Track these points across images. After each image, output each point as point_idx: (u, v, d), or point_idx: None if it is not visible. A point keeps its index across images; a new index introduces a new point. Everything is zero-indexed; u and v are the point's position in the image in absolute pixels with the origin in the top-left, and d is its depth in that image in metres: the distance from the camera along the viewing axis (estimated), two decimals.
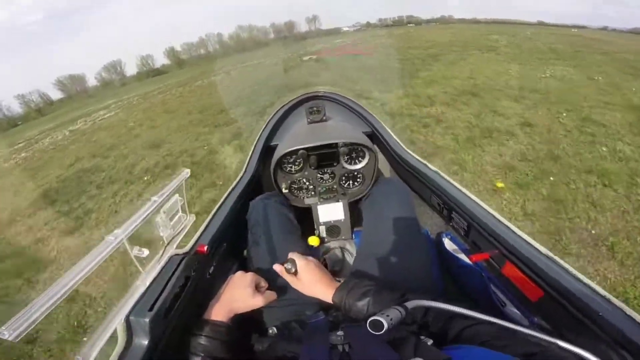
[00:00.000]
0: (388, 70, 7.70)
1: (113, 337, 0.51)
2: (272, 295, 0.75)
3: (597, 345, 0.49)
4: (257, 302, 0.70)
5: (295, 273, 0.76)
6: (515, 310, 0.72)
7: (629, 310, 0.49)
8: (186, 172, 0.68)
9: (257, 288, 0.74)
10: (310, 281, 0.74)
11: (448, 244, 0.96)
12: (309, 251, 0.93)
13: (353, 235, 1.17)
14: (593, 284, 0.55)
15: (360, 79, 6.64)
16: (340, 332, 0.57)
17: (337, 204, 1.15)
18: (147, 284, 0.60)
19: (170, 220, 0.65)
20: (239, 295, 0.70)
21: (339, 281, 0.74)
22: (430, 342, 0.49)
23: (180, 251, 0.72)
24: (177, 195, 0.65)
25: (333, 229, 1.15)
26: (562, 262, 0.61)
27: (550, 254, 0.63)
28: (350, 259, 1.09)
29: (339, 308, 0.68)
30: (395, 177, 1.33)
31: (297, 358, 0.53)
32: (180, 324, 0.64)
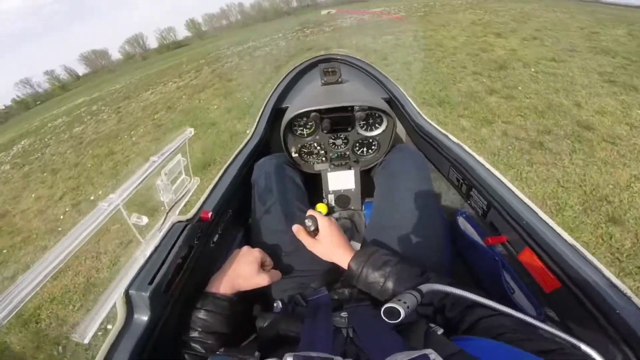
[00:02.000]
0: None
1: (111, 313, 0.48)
2: (277, 274, 0.72)
3: (609, 345, 0.47)
4: (261, 280, 0.66)
5: (315, 232, 0.72)
6: (524, 299, 0.69)
7: None
8: (189, 131, 0.63)
9: (263, 266, 0.70)
10: (330, 243, 0.70)
11: (462, 222, 0.92)
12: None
13: (363, 207, 1.12)
14: (617, 280, 0.50)
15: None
16: (344, 314, 0.54)
17: (348, 171, 1.09)
18: (148, 254, 0.56)
19: (172, 184, 0.60)
20: (243, 271, 0.66)
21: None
22: (440, 331, 0.46)
23: (183, 218, 0.68)
24: (179, 155, 0.60)
25: (342, 198, 1.10)
26: (586, 252, 0.55)
27: (575, 243, 0.57)
28: (360, 231, 1.04)
29: (352, 276, 0.64)
30: (413, 146, 1.23)
31: (299, 338, 0.50)
32: (181, 297, 0.61)
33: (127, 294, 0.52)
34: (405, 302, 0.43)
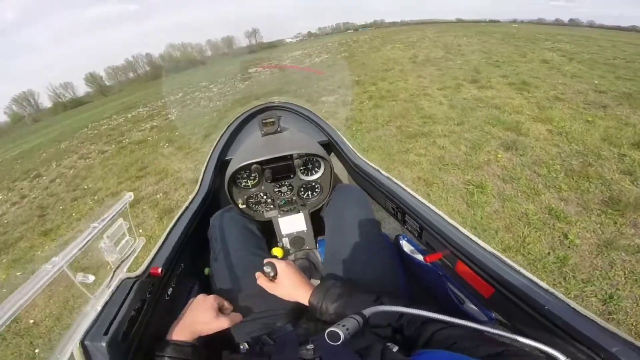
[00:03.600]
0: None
1: None
2: (237, 316, 0.73)
3: (549, 337, 0.51)
4: (221, 324, 0.68)
5: (275, 277, 0.76)
6: (474, 307, 0.74)
7: (571, 302, 0.52)
8: (129, 196, 0.67)
9: (221, 310, 0.72)
10: (290, 284, 0.74)
11: (406, 245, 0.99)
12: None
13: (317, 244, 1.16)
14: (537, 279, 0.58)
15: None
16: (310, 346, 0.57)
17: (298, 215, 1.13)
18: (99, 308, 0.58)
19: (116, 245, 0.64)
20: (201, 318, 0.67)
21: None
22: (395, 348, 0.50)
23: (132, 274, 0.69)
24: (121, 219, 0.65)
25: (296, 240, 1.13)
26: (507, 259, 0.63)
27: (497, 253, 0.66)
28: (318, 268, 1.08)
29: (315, 311, 0.68)
30: (353, 183, 1.32)
31: None
32: (141, 346, 0.62)
33: (83, 344, 0.53)
34: (344, 326, 0.48)
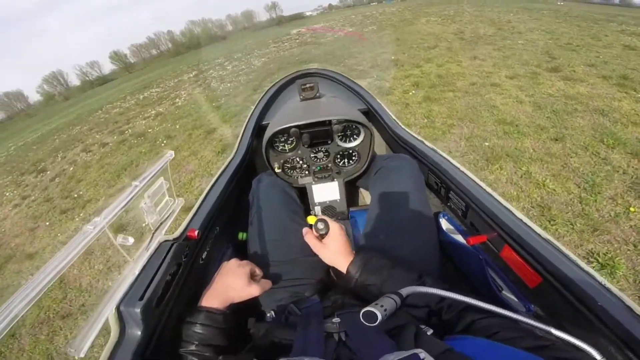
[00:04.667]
0: None
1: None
2: (267, 283, 0.71)
3: (597, 338, 0.47)
4: (252, 291, 0.66)
5: (323, 236, 0.74)
6: (512, 296, 0.70)
7: (629, 301, 0.46)
8: (170, 154, 0.66)
9: (252, 277, 0.70)
10: (336, 249, 0.72)
11: (445, 224, 0.93)
12: (307, 231, 0.84)
13: (349, 215, 1.13)
14: (593, 272, 0.52)
15: None
16: (336, 319, 0.55)
17: (332, 183, 1.11)
18: (137, 272, 0.58)
19: (156, 206, 0.63)
20: (233, 284, 0.66)
21: None
22: (430, 332, 0.48)
23: (170, 237, 0.69)
24: (162, 178, 0.64)
25: (328, 209, 1.12)
26: (562, 247, 0.58)
27: (551, 239, 0.60)
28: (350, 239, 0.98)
29: (350, 281, 0.66)
30: (406, 154, 1.12)
31: (292, 345, 0.51)
32: (174, 312, 0.63)
33: (118, 310, 0.53)
34: (382, 306, 0.46)
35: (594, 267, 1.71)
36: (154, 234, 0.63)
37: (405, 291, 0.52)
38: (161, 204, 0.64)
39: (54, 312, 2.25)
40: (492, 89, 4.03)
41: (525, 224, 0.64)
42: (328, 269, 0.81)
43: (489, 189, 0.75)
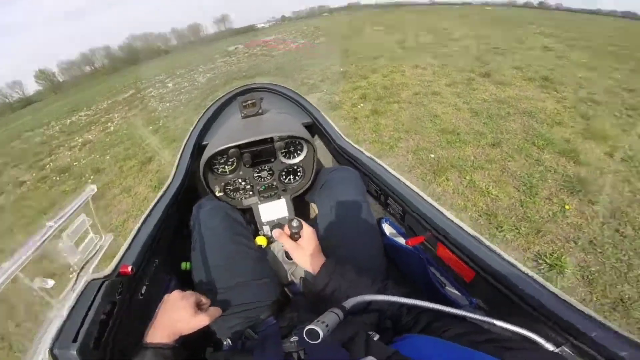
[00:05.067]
0: None
1: None
2: (217, 311, 0.69)
3: (532, 324, 0.50)
4: (200, 321, 0.64)
5: (297, 237, 0.75)
6: (455, 291, 0.74)
7: (550, 286, 0.52)
8: (91, 189, 0.64)
9: (199, 306, 0.68)
10: (310, 250, 0.73)
11: (388, 229, 0.98)
12: (261, 251, 0.92)
13: None
14: (518, 264, 0.57)
15: None
16: (294, 338, 0.55)
17: (279, 201, 1.08)
18: (65, 314, 0.55)
19: (78, 245, 0.62)
20: (179, 316, 0.63)
21: None
22: (376, 337, 0.50)
23: (99, 275, 0.65)
24: (83, 215, 0.62)
25: (278, 227, 1.03)
26: (489, 243, 0.63)
27: (479, 236, 0.65)
28: None
29: (318, 285, 0.67)
30: (349, 165, 1.17)
31: None
32: (116, 353, 0.60)
33: (52, 354, 0.51)
34: (324, 322, 0.48)
35: (542, 268, 1.77)
36: (79, 273, 0.62)
37: (348, 303, 0.55)
38: (85, 241, 0.63)
39: None
40: (433, 98, 4.20)
41: (456, 223, 0.70)
42: (282, 288, 0.83)
43: (423, 194, 0.81)
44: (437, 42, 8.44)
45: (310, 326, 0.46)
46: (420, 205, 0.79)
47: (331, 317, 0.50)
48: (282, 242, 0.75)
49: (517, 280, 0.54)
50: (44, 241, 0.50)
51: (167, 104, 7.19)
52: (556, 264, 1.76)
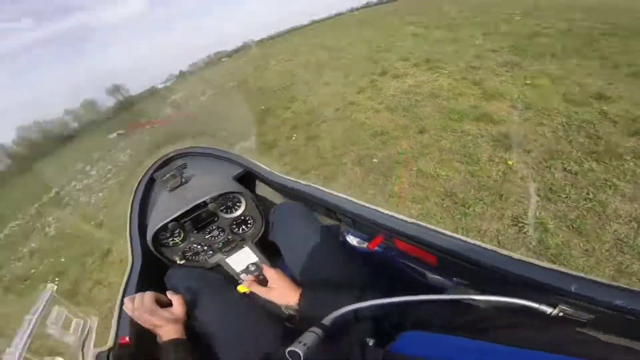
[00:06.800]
0: None
1: None
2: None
3: (508, 291, 0.50)
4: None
5: (260, 276, 0.86)
6: (437, 277, 0.77)
7: (501, 250, 0.55)
8: (49, 292, 0.70)
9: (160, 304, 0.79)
10: (283, 287, 0.78)
11: (352, 239, 0.99)
12: (245, 299, 0.90)
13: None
14: (461, 236, 0.60)
15: None
16: None
17: (243, 249, 1.12)
18: None
19: (67, 329, 0.68)
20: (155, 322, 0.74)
21: None
22: (371, 342, 0.51)
23: (104, 348, 0.71)
24: (57, 306, 0.69)
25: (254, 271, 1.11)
26: (427, 224, 0.66)
27: (416, 221, 0.68)
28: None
29: (305, 312, 0.72)
30: (287, 199, 1.23)
31: None
32: None
33: None
34: (303, 343, 0.50)
35: (526, 231, 1.85)
36: (82, 349, 0.66)
37: (327, 320, 0.57)
38: (72, 325, 0.68)
39: None
40: (352, 108, 4.57)
41: (392, 216, 0.74)
42: (284, 325, 0.86)
43: (357, 201, 0.86)
44: (332, 56, 9.23)
45: (291, 348, 0.49)
46: (360, 211, 0.81)
47: (309, 336, 0.52)
48: (253, 289, 0.80)
49: (469, 253, 0.57)
50: (32, 329, 0.56)
51: (100, 194, 6.50)
52: (538, 223, 1.84)
